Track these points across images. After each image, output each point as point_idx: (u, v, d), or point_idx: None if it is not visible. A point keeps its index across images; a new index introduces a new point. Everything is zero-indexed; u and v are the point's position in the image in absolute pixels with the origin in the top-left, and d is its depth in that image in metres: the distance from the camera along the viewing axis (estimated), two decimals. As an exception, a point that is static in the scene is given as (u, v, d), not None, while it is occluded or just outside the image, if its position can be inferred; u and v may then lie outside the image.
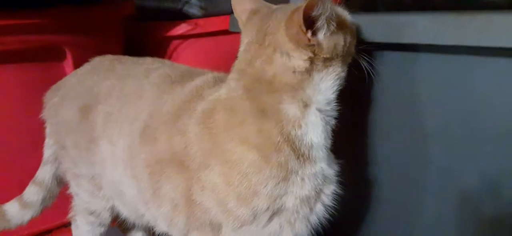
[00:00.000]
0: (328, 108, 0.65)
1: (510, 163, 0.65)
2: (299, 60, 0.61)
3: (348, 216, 0.70)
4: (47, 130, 0.96)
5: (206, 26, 1.41)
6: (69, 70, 1.16)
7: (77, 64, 1.11)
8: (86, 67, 0.94)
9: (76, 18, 1.16)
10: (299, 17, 0.58)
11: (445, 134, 0.71)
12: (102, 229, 0.97)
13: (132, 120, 0.78)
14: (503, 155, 0.65)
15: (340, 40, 0.63)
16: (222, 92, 0.69)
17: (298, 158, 0.64)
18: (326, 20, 0.60)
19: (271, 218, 0.65)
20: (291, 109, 0.63)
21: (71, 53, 1.16)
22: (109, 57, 0.94)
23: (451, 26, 0.62)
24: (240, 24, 0.73)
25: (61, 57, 1.17)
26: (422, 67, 0.71)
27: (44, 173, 0.99)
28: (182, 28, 1.39)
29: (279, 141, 0.62)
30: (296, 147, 0.63)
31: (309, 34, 0.60)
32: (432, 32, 0.64)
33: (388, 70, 0.73)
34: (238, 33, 1.04)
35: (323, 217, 0.69)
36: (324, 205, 0.68)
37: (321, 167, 0.66)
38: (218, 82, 0.75)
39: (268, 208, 0.64)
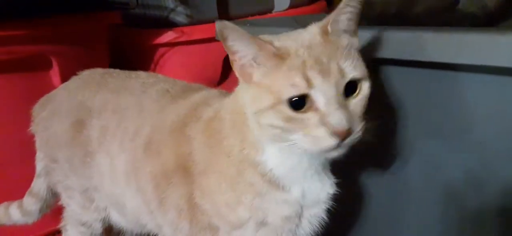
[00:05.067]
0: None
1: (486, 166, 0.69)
2: None
3: (337, 219, 0.73)
4: (37, 144, 0.96)
5: (192, 34, 1.41)
6: (56, 79, 1.16)
7: (63, 73, 1.11)
8: (75, 81, 0.93)
9: (62, 28, 1.15)
10: None
11: (428, 137, 0.74)
12: (93, 240, 0.98)
13: (133, 136, 0.79)
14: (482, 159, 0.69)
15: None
16: (226, 100, 0.71)
17: (264, 181, 0.65)
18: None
19: (257, 228, 0.68)
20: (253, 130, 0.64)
21: (58, 62, 1.16)
22: (99, 70, 0.93)
23: (429, 44, 0.65)
24: None
25: (48, 66, 1.16)
26: (405, 79, 0.74)
27: (39, 185, 1.00)
28: (168, 36, 1.39)
29: (241, 160, 0.65)
30: (258, 171, 0.65)
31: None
32: (412, 49, 0.67)
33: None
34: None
35: (311, 231, 0.70)
36: (310, 222, 0.69)
37: (296, 197, 0.66)
38: (222, 94, 0.77)
39: (250, 217, 0.67)
